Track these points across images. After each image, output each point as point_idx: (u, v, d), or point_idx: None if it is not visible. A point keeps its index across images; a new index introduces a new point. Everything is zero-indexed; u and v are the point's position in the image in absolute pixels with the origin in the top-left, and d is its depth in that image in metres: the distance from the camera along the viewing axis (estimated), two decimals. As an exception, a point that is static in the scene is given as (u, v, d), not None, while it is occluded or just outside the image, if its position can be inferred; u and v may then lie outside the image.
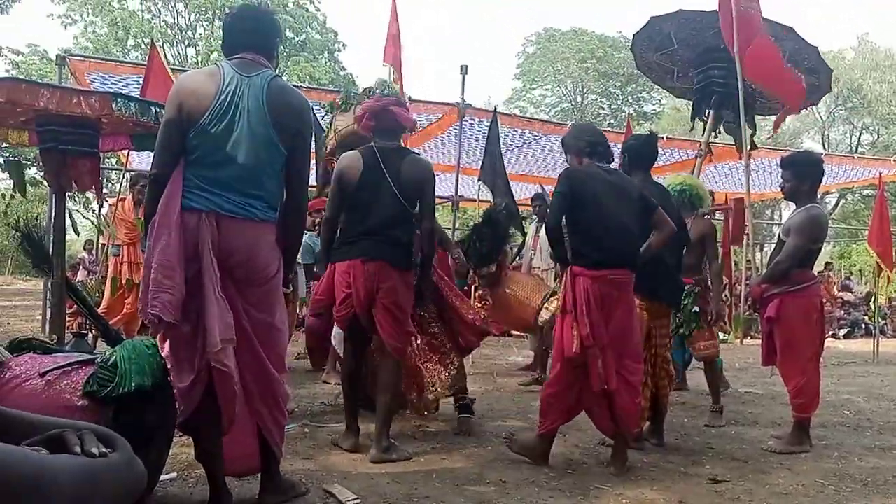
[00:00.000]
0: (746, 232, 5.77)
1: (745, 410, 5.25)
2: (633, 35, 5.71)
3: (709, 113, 5.65)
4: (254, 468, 2.77)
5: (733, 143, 5.77)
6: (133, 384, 2.36)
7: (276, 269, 2.63)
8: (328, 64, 26.58)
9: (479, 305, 6.43)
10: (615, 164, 3.91)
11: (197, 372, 2.45)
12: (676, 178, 5.01)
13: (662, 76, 6.26)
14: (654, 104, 33.69)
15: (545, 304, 5.85)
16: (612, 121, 30.93)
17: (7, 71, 21.22)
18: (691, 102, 6.51)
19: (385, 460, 3.44)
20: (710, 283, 4.90)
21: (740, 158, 5.63)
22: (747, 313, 6.82)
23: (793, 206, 4.27)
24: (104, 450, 1.02)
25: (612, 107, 33.76)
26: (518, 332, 7.50)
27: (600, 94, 33.87)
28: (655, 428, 4.09)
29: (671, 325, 4.32)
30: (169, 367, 2.50)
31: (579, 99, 33.79)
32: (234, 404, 2.51)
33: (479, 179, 8.07)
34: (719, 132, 5.79)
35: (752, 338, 9.55)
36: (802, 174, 4.10)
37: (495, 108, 8.43)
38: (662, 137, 4.89)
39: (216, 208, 2.47)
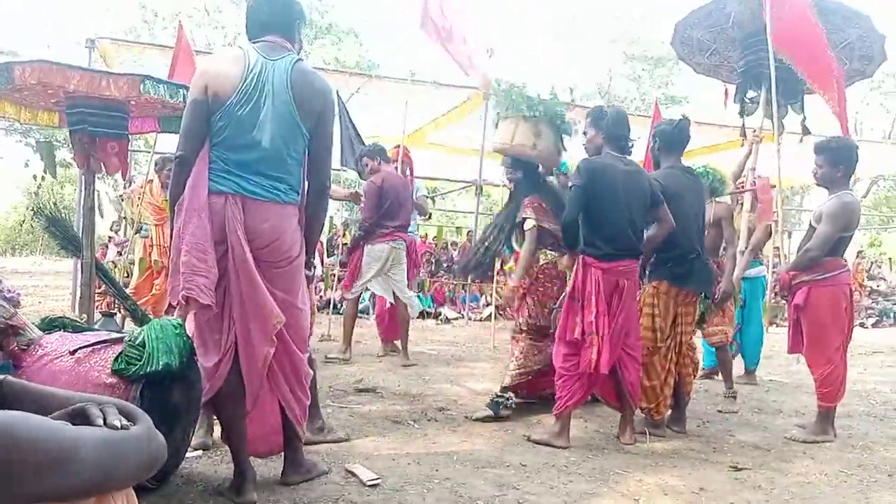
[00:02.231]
0: (775, 219, 5.68)
1: (769, 398, 5.21)
2: (692, 10, 5.59)
3: (756, 96, 5.56)
4: (277, 447, 2.81)
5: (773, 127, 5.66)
6: (160, 363, 2.41)
7: (298, 250, 2.65)
8: (353, 47, 26.51)
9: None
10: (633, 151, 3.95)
11: (223, 352, 2.50)
12: (702, 162, 5.00)
13: (693, 52, 6.12)
14: (682, 87, 33.18)
15: None
16: (639, 104, 30.54)
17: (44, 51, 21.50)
18: (721, 83, 6.42)
19: (317, 441, 3.33)
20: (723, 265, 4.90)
21: (779, 143, 5.51)
22: (773, 301, 6.74)
23: (823, 192, 4.21)
24: (126, 423, 1.04)
25: (640, 90, 33.32)
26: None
27: (628, 77, 33.44)
28: (677, 415, 4.08)
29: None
30: (195, 346, 2.55)
31: (606, 81, 33.39)
32: (259, 383, 2.56)
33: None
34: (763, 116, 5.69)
35: (777, 325, 9.45)
36: (836, 160, 4.03)
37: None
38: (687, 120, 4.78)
39: (242, 191, 2.49)
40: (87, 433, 0.97)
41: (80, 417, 1.03)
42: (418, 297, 6.75)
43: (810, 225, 4.15)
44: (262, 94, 2.51)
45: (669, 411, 4.06)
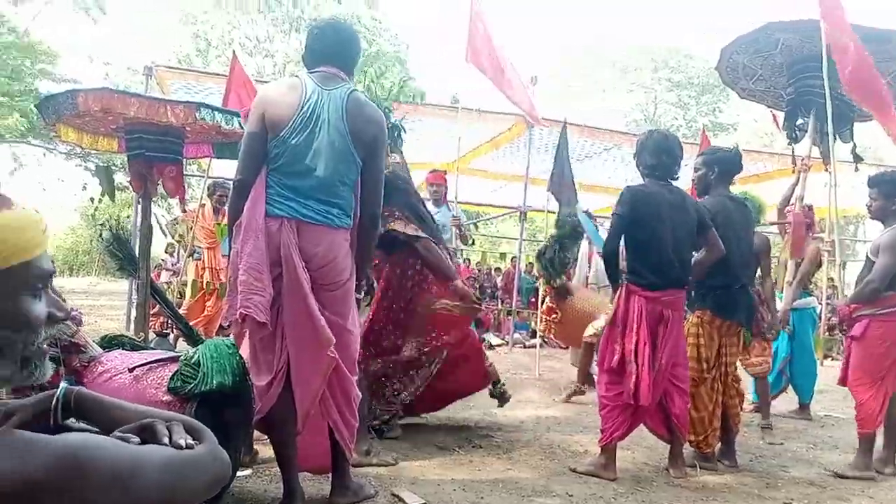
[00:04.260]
0: (828, 248, 5.55)
1: (825, 434, 5.04)
2: (739, 36, 5.55)
3: (804, 123, 5.47)
4: (325, 468, 2.84)
5: (821, 155, 5.55)
6: (214, 382, 2.46)
7: (349, 273, 2.70)
8: (399, 74, 26.98)
9: (549, 319, 6.39)
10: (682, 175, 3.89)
11: (275, 372, 2.55)
12: (740, 191, 4.94)
13: (738, 77, 6.07)
14: (730, 115, 32.82)
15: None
16: (685, 131, 30.30)
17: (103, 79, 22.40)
18: (768, 109, 6.34)
19: (364, 464, 3.33)
20: (763, 297, 4.81)
21: (827, 170, 5.40)
22: (826, 334, 6.56)
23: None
24: (191, 441, 1.06)
25: (686, 117, 33.07)
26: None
27: (673, 105, 33.24)
28: (727, 448, 3.97)
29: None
30: (248, 366, 2.60)
31: (652, 109, 33.24)
32: (310, 404, 2.59)
33: (547, 190, 8.04)
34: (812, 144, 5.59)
35: (832, 359, 9.16)
36: (891, 192, 3.94)
37: (565, 119, 8.39)
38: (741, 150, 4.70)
39: (297, 215, 2.56)
40: (151, 454, 0.99)
41: (147, 433, 1.06)
42: None
43: (867, 258, 4.06)
44: (318, 122, 2.58)
45: (719, 444, 3.97)
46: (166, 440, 1.04)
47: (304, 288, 2.53)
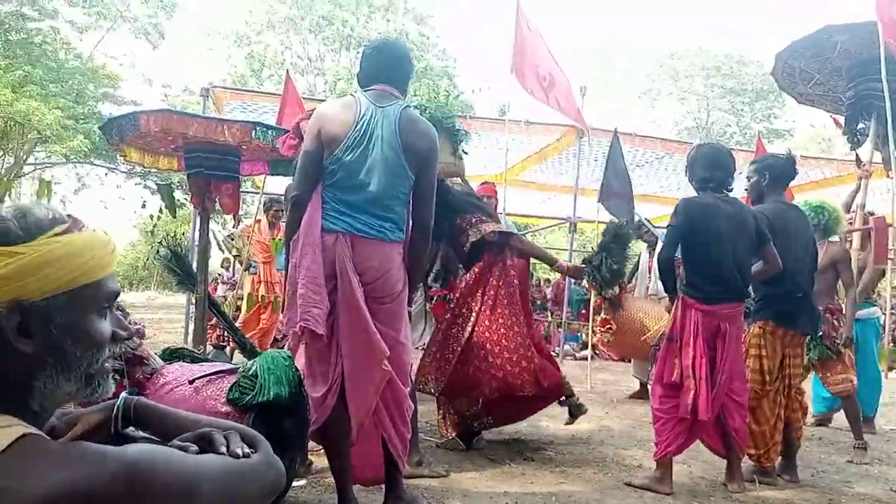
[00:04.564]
0: (891, 257, 5.37)
1: (890, 449, 4.85)
2: (795, 41, 5.44)
3: (865, 127, 5.31)
4: (378, 479, 2.87)
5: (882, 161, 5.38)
6: (272, 393, 2.52)
7: (402, 286, 2.75)
8: (448, 89, 27.16)
9: (603, 330, 6.31)
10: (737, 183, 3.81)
11: (330, 383, 2.61)
12: (817, 199, 4.80)
13: (795, 82, 5.93)
14: (785, 120, 32.01)
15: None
16: (739, 138, 29.67)
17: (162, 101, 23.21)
18: (826, 114, 6.19)
19: (416, 475, 3.35)
20: (843, 309, 4.65)
21: (889, 176, 5.22)
22: (891, 345, 6.33)
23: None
24: (247, 450, 1.08)
25: (740, 124, 32.38)
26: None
27: (727, 112, 32.60)
28: (788, 463, 3.87)
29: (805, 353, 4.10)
30: (304, 377, 2.66)
31: (704, 116, 32.67)
32: (364, 415, 2.63)
33: (598, 201, 7.99)
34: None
35: (898, 371, 8.81)
36: None
37: (615, 129, 8.32)
38: (796, 156, 4.53)
39: (352, 230, 2.63)
40: (211, 463, 1.01)
41: (204, 442, 1.08)
42: None
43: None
44: (372, 139, 2.65)
45: (779, 459, 3.86)
46: (223, 449, 1.06)
47: (359, 301, 2.59)
